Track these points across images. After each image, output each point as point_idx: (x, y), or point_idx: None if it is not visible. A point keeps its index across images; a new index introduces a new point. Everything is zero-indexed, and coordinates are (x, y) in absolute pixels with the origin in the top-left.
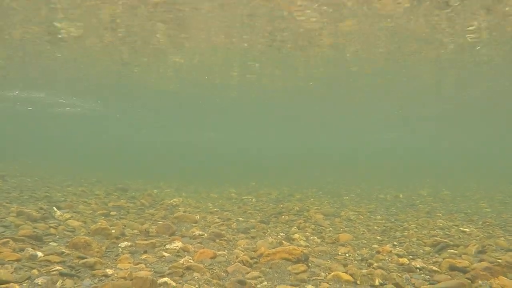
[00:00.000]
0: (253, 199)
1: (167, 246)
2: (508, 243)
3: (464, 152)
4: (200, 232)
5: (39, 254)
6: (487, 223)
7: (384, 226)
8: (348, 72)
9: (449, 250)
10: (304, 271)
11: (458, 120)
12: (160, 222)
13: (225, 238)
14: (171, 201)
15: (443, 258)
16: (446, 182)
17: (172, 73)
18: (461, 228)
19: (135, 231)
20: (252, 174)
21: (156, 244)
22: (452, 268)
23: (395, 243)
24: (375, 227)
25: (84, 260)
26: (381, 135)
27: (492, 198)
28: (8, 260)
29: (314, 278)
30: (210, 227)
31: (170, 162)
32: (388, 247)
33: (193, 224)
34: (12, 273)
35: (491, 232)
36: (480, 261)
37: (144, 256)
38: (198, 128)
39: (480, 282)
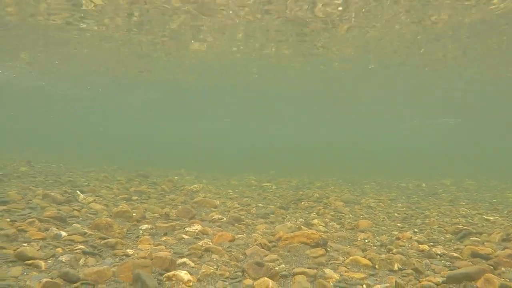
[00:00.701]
0: (273, 186)
1: (187, 229)
2: None
3: (490, 143)
4: (219, 216)
5: (63, 233)
6: None
7: (405, 213)
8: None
9: (471, 238)
10: (322, 255)
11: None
12: (180, 207)
13: (244, 223)
14: (191, 187)
15: (465, 245)
16: (470, 172)
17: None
18: (485, 217)
19: (156, 214)
20: (272, 163)
21: (176, 227)
22: (474, 255)
23: (415, 230)
24: (396, 215)
25: (106, 241)
26: (402, 124)
27: None
28: (34, 239)
29: (332, 262)
30: (229, 212)
31: (192, 151)
32: (408, 233)
33: (213, 209)
34: (38, 250)
35: None
36: (504, 249)
37: (164, 238)
38: (223, 118)
39: (503, 269)
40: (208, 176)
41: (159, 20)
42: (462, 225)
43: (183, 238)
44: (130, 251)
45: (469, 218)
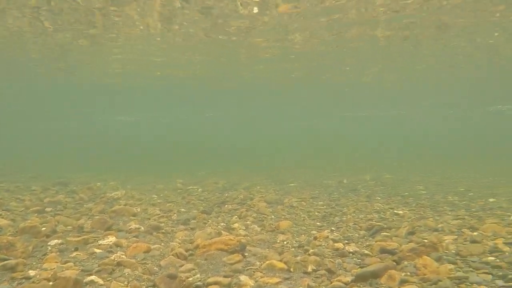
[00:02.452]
0: (199, 189)
1: (100, 242)
2: (435, 223)
3: (404, 135)
4: (137, 226)
5: None
6: (420, 205)
7: (324, 211)
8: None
9: (382, 233)
10: (239, 261)
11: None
12: (96, 217)
13: (163, 231)
14: (113, 194)
15: (376, 241)
16: (389, 166)
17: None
18: (396, 211)
19: (69, 227)
20: (203, 163)
21: (89, 240)
22: (383, 250)
23: (333, 228)
24: (316, 213)
25: (4, 262)
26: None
27: (429, 180)
28: None
29: (248, 268)
30: (149, 219)
31: (120, 152)
32: (325, 232)
33: (132, 217)
34: None
35: (422, 213)
36: (409, 242)
37: (74, 254)
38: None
39: (406, 263)
40: (134, 181)
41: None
42: (375, 221)
43: (95, 252)
44: (32, 273)
45: (382, 213)
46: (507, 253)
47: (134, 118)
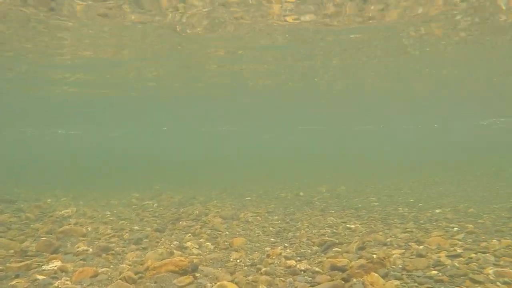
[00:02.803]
0: (154, 204)
1: (44, 267)
2: (385, 237)
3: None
4: (85, 248)
5: None
6: (372, 218)
7: (279, 227)
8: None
9: (334, 249)
10: (190, 283)
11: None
12: (43, 238)
13: (113, 252)
14: (63, 212)
15: (327, 258)
16: (345, 178)
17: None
18: (348, 225)
19: (11, 251)
20: (161, 176)
21: (32, 266)
22: (333, 267)
23: (286, 244)
24: (271, 229)
25: None
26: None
27: (382, 191)
28: None
29: None
30: (100, 239)
31: (76, 166)
32: (279, 249)
33: (81, 238)
34: None
35: (373, 227)
36: (359, 258)
37: (14, 282)
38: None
39: (354, 280)
40: (88, 196)
41: None
42: (328, 236)
43: (38, 279)
44: None
45: (335, 227)
46: (448, 266)
47: (84, 131)
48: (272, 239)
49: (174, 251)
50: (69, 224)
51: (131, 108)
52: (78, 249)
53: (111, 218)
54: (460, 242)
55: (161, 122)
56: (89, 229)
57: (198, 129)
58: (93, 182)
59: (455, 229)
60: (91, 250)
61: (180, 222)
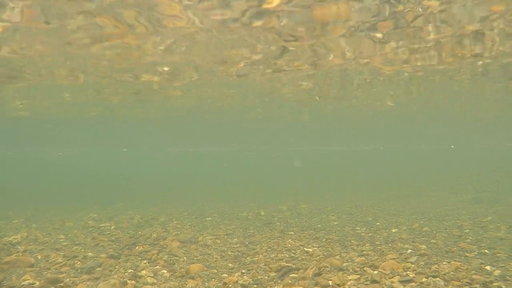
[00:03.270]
0: (112, 226)
1: None
2: (341, 261)
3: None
4: (32, 281)
5: None
6: (329, 240)
7: (237, 251)
8: None
9: (291, 275)
10: None
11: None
12: None
13: (62, 285)
14: (11, 238)
15: (283, 286)
16: (307, 195)
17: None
18: (305, 249)
19: None
20: (123, 194)
21: None
22: None
23: (243, 270)
24: (229, 253)
25: None
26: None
27: (342, 209)
28: None
29: None
30: (49, 269)
31: (33, 185)
32: (236, 276)
33: (28, 269)
34: None
35: (330, 250)
36: (315, 284)
37: None
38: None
39: None
40: (42, 217)
41: None
42: (285, 261)
43: None
44: None
45: (293, 251)
46: None
47: (44, 150)
48: (230, 265)
49: (128, 281)
50: (17, 252)
51: (90, 128)
52: (23, 283)
53: (64, 244)
54: (413, 266)
55: (121, 142)
56: (39, 257)
57: (162, 148)
58: (51, 202)
59: (409, 251)
60: (37, 283)
61: (137, 247)
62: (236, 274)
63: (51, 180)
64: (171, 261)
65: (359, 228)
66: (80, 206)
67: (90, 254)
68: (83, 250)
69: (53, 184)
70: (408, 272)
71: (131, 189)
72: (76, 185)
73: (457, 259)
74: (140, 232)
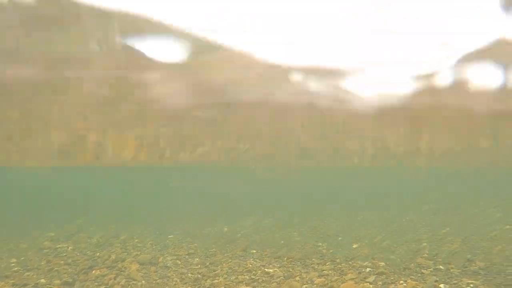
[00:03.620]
0: (69, 247)
1: None
2: (301, 282)
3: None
4: None
5: None
6: (291, 259)
7: (198, 272)
8: None
9: None
10: None
11: None
12: None
13: None
14: None
15: None
16: (274, 209)
17: None
18: (266, 269)
19: None
20: (84, 210)
21: None
22: None
23: None
24: (189, 275)
25: None
26: None
27: (305, 223)
28: None
29: None
30: None
31: None
32: None
33: None
34: None
35: (291, 270)
36: None
37: None
38: None
39: None
40: None
41: None
42: (245, 284)
43: None
44: None
45: (253, 272)
46: None
47: None
48: None
49: None
50: None
51: None
52: None
53: (15, 269)
54: (371, 286)
55: None
56: None
57: None
58: (6, 220)
59: (368, 269)
60: None
61: (93, 271)
62: None
63: (4, 197)
64: (129, 286)
65: (320, 244)
66: (38, 224)
67: (42, 280)
68: (35, 276)
69: (6, 201)
70: None
71: (92, 203)
72: (34, 202)
73: (414, 277)
74: (98, 254)
